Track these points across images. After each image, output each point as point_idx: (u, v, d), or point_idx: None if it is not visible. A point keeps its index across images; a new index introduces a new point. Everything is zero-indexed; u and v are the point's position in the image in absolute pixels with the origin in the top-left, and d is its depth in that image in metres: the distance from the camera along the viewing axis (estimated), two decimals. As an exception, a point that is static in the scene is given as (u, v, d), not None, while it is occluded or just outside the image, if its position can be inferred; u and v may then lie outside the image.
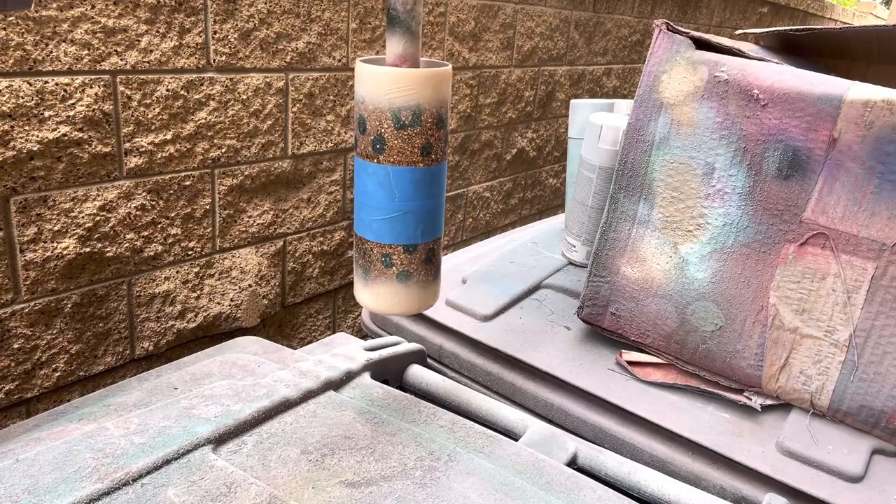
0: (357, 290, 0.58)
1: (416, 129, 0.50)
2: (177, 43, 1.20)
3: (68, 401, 0.60)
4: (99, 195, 1.15)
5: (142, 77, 1.17)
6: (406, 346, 0.74)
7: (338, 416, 0.59)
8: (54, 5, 1.04)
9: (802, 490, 0.61)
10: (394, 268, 0.55)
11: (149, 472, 0.49)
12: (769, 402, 0.71)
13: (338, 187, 1.62)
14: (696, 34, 0.71)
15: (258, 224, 1.46)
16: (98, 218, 1.16)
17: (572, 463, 0.61)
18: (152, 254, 1.28)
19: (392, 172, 0.50)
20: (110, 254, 1.20)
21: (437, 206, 0.54)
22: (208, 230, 1.36)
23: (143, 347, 1.30)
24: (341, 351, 0.69)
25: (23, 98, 1.03)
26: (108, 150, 1.15)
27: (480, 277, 0.92)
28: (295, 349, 0.71)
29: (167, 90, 1.21)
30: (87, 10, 1.07)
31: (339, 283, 1.71)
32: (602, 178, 0.91)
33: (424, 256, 0.55)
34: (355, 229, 0.56)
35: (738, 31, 1.35)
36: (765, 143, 0.68)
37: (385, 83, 0.49)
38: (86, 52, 1.08)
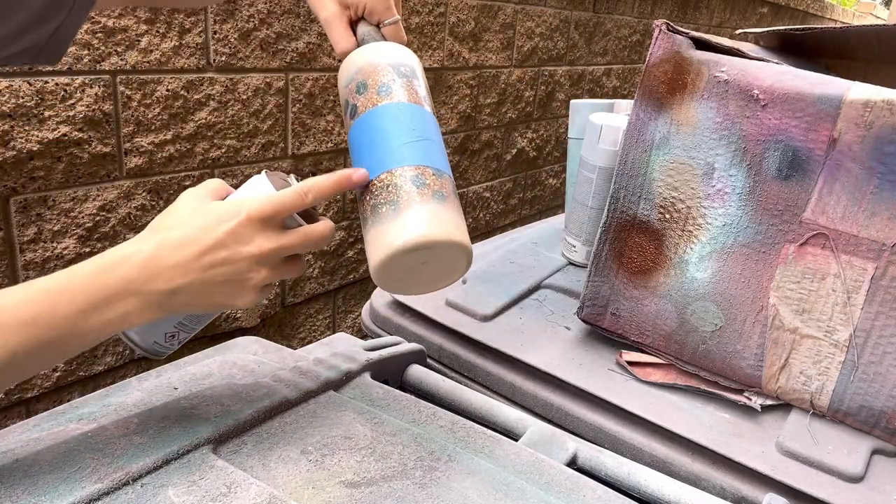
0: (379, 237, 0.49)
1: (411, 80, 0.55)
2: (177, 43, 1.20)
3: (68, 401, 0.60)
4: (99, 195, 1.15)
5: (142, 77, 1.17)
6: (406, 346, 0.74)
7: (338, 416, 0.59)
8: (54, 5, 1.04)
9: (802, 490, 0.61)
10: (427, 188, 0.49)
11: (149, 472, 0.49)
12: (769, 402, 0.71)
13: (338, 187, 1.61)
14: (696, 34, 0.71)
15: (258, 224, 1.46)
16: (98, 218, 1.16)
17: (572, 463, 0.61)
18: (152, 254, 1.27)
19: (404, 107, 0.53)
20: (110, 254, 1.20)
21: (444, 152, 0.55)
22: (208, 230, 1.36)
23: (143, 347, 1.30)
24: (341, 351, 0.69)
25: (23, 98, 1.03)
26: (108, 150, 1.15)
27: (480, 277, 0.92)
28: (295, 349, 0.71)
29: (167, 90, 1.21)
30: (87, 10, 1.07)
31: (339, 283, 1.71)
32: (602, 178, 0.91)
33: (451, 186, 0.52)
34: (368, 177, 0.52)
35: (738, 31, 1.35)
36: (765, 143, 0.68)
37: (387, 48, 0.57)
38: (86, 52, 1.08)
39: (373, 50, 0.56)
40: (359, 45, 0.58)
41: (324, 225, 0.51)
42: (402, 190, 0.49)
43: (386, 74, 0.54)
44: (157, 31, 1.17)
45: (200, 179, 1.32)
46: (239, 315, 1.46)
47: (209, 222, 0.47)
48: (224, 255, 0.47)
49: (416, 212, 0.48)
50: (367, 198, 0.51)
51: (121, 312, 0.46)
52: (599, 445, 0.65)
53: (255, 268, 0.48)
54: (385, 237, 0.49)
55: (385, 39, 0.59)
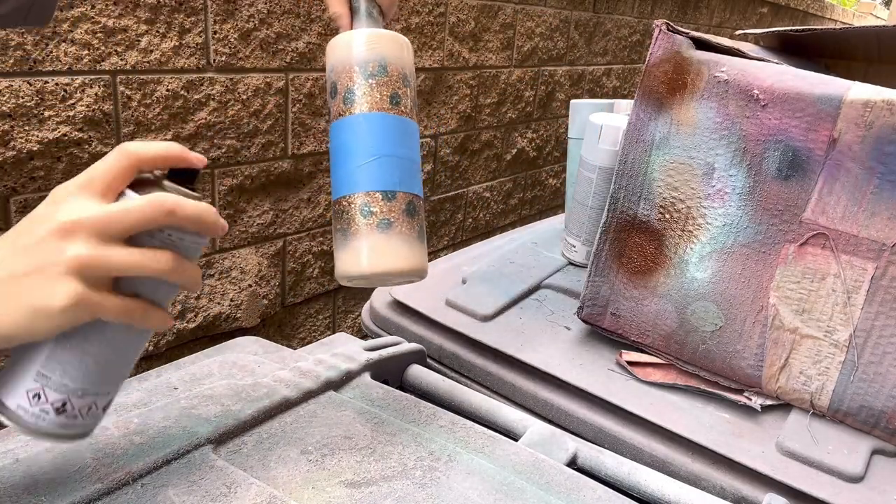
0: (336, 259, 0.53)
1: (383, 78, 0.53)
2: (177, 43, 1.20)
3: (68, 401, 0.60)
4: (99, 195, 1.15)
5: (142, 77, 1.17)
6: (406, 346, 0.74)
7: (338, 416, 0.59)
8: (54, 5, 1.04)
9: (802, 490, 0.61)
10: (373, 217, 0.51)
11: (149, 472, 0.49)
12: (769, 402, 0.71)
13: (338, 187, 1.61)
14: (696, 34, 0.71)
15: (258, 224, 1.46)
16: (98, 218, 1.16)
17: (572, 463, 0.61)
18: (152, 254, 1.27)
19: (364, 118, 0.52)
20: (110, 254, 1.20)
21: (413, 162, 0.54)
22: (208, 230, 1.36)
23: (143, 347, 1.30)
24: (341, 351, 0.69)
25: (23, 98, 1.03)
26: (108, 150, 1.15)
27: (480, 277, 0.92)
28: (295, 349, 0.71)
29: (167, 90, 1.21)
30: (87, 10, 1.07)
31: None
32: (602, 178, 0.91)
33: (405, 206, 0.53)
34: (332, 198, 0.54)
35: (738, 31, 1.35)
36: (765, 143, 0.68)
37: (352, 41, 0.54)
38: (86, 52, 1.08)
39: (347, 43, 0.54)
40: (351, 13, 0.56)
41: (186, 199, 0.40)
42: (351, 220, 0.52)
43: (353, 77, 0.53)
44: (157, 31, 1.17)
45: (200, 179, 1.32)
46: (239, 315, 1.46)
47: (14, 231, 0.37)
48: (12, 239, 0.37)
49: (358, 245, 0.51)
50: (333, 216, 0.54)
51: None
52: (599, 445, 0.65)
53: (65, 238, 0.36)
54: (337, 262, 0.53)
55: (379, 7, 0.57)
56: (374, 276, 0.52)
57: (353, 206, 0.52)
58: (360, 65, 0.53)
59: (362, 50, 0.53)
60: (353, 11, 0.56)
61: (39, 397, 0.39)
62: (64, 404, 0.40)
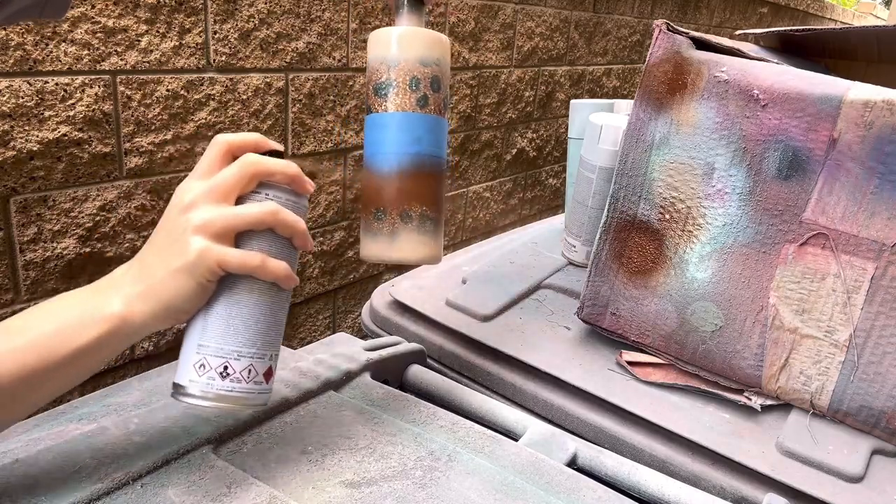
0: (363, 241, 0.59)
1: (410, 83, 0.57)
2: (177, 43, 1.20)
3: (68, 401, 0.60)
4: (99, 195, 1.15)
5: (142, 77, 1.17)
6: (406, 346, 0.74)
7: (338, 416, 0.59)
8: (54, 5, 1.04)
9: (802, 490, 0.61)
10: (407, 212, 0.58)
11: (149, 472, 0.49)
12: (769, 402, 0.71)
13: (338, 187, 1.61)
14: (696, 34, 0.71)
15: (258, 224, 1.46)
16: (98, 218, 1.16)
17: (572, 463, 0.61)
18: (152, 254, 1.27)
19: (397, 119, 0.57)
20: (110, 254, 1.20)
21: (442, 159, 0.60)
22: (208, 230, 1.36)
23: (143, 347, 1.30)
24: (341, 351, 0.69)
25: (23, 98, 1.03)
26: (108, 150, 1.15)
27: (480, 277, 0.92)
28: (295, 349, 0.71)
29: (167, 90, 1.21)
30: (87, 10, 1.07)
31: (339, 283, 1.71)
32: (602, 178, 0.91)
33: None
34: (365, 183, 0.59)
35: (738, 31, 1.35)
36: (765, 144, 0.68)
37: (400, 39, 0.58)
38: (86, 52, 1.08)
39: (386, 40, 0.58)
40: (395, 5, 0.60)
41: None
42: (385, 211, 0.58)
43: (385, 76, 0.57)
44: (157, 31, 1.17)
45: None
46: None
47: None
48: (161, 224, 0.46)
49: (386, 234, 0.58)
50: (364, 200, 0.59)
51: (106, 311, 0.44)
52: (599, 445, 0.65)
53: (187, 211, 0.45)
54: (364, 244, 0.59)
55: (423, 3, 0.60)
56: (398, 262, 0.58)
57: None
58: (403, 64, 0.57)
59: (401, 47, 0.57)
60: (397, 7, 0.60)
61: (204, 367, 0.45)
62: (225, 367, 0.45)
